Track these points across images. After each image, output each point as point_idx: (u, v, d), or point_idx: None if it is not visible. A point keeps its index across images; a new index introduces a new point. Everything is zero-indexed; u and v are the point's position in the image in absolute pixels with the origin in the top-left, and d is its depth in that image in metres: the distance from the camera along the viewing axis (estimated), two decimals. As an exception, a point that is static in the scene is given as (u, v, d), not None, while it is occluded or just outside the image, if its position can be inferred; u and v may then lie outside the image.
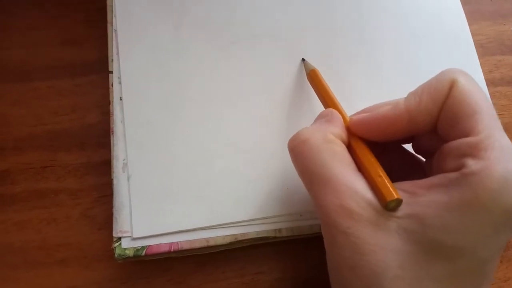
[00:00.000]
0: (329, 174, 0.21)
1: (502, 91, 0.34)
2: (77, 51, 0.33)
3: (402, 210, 0.20)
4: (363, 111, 0.25)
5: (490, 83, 0.34)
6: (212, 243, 0.27)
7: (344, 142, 0.23)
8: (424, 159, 0.26)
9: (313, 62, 0.31)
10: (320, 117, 0.25)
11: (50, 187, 0.30)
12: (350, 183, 0.21)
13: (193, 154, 0.28)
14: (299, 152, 0.23)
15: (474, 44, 0.34)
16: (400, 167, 0.26)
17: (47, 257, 0.28)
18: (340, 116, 0.25)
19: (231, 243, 0.27)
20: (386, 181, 0.21)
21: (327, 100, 0.27)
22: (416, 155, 0.26)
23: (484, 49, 0.36)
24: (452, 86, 0.21)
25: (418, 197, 0.20)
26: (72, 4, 0.35)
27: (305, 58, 0.31)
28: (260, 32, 0.32)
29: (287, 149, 0.29)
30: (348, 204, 0.20)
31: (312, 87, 0.29)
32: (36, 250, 0.28)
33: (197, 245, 0.26)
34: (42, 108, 0.32)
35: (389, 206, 0.20)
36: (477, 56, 0.33)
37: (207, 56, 0.31)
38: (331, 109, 0.25)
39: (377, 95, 0.31)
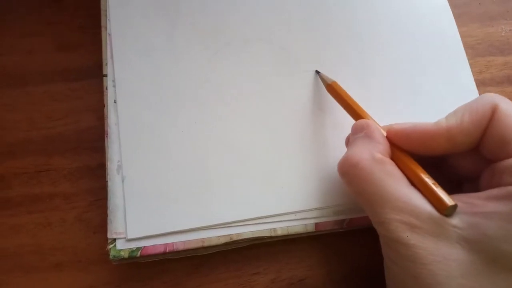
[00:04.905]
0: (387, 193, 0.22)
1: (492, 90, 0.35)
2: (71, 56, 0.33)
3: (462, 220, 0.21)
4: (403, 123, 0.25)
5: (480, 83, 0.35)
6: (207, 243, 0.26)
7: (389, 155, 0.24)
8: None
9: (305, 65, 0.32)
10: (357, 130, 0.26)
11: (45, 191, 0.30)
12: (408, 198, 0.22)
13: (187, 155, 0.28)
14: (353, 176, 0.23)
15: (464, 45, 0.34)
16: None
17: (42, 261, 0.28)
18: (379, 127, 0.25)
19: (226, 244, 0.27)
20: (441, 188, 0.22)
21: (356, 110, 0.27)
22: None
23: (474, 51, 0.36)
24: (494, 111, 0.22)
25: (477, 208, 0.21)
26: (68, 10, 0.35)
27: (297, 61, 0.32)
28: (252, 36, 0.33)
29: (281, 150, 0.29)
30: (408, 219, 0.21)
31: (334, 98, 0.29)
32: (31, 254, 0.28)
33: (192, 245, 0.26)
34: (37, 112, 0.32)
35: (447, 213, 0.21)
36: (466, 57, 0.34)
37: (200, 58, 0.31)
38: (366, 120, 0.26)
39: (369, 98, 0.31)
